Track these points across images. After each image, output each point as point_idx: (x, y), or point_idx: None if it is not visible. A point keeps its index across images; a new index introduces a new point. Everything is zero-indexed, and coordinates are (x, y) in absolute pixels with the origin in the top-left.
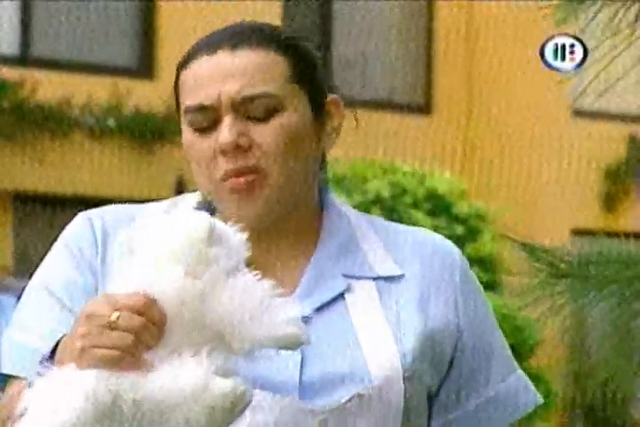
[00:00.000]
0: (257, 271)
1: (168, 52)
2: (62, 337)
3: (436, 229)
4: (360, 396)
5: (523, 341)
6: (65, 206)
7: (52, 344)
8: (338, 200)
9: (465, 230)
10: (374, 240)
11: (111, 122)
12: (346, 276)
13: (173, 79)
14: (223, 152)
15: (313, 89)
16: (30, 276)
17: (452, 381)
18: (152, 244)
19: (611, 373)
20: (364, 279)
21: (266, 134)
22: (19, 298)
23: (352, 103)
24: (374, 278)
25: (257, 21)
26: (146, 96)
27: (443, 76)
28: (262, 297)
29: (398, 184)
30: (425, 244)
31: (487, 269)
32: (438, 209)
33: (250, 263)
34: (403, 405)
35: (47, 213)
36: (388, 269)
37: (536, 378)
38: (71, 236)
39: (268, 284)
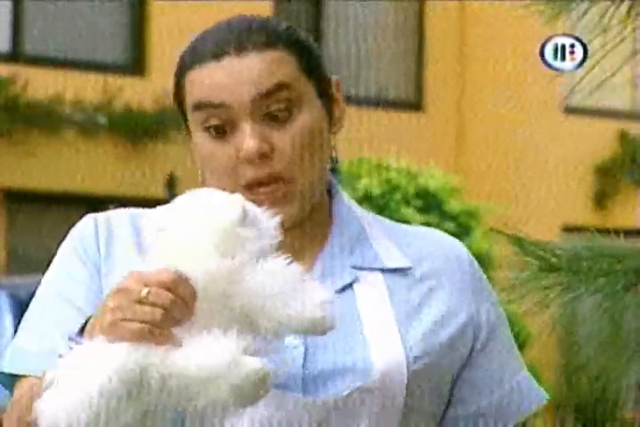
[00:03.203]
0: (288, 255)
1: (159, 50)
2: (90, 317)
3: (426, 226)
4: (362, 389)
5: (514, 335)
6: (56, 203)
7: (59, 341)
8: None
9: (456, 227)
10: (382, 235)
11: (102, 119)
12: (355, 268)
13: (164, 76)
14: (247, 160)
15: (320, 81)
16: (23, 272)
17: (467, 377)
18: (184, 222)
19: (600, 367)
20: (372, 271)
21: (287, 139)
22: (11, 295)
23: (344, 101)
24: (383, 271)
25: (254, 17)
26: (137, 93)
27: (434, 73)
28: (292, 280)
29: (389, 181)
30: (432, 242)
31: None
32: (429, 206)
33: None
34: (404, 399)
35: (39, 209)
36: (397, 261)
37: None
38: (75, 236)
39: (298, 268)
